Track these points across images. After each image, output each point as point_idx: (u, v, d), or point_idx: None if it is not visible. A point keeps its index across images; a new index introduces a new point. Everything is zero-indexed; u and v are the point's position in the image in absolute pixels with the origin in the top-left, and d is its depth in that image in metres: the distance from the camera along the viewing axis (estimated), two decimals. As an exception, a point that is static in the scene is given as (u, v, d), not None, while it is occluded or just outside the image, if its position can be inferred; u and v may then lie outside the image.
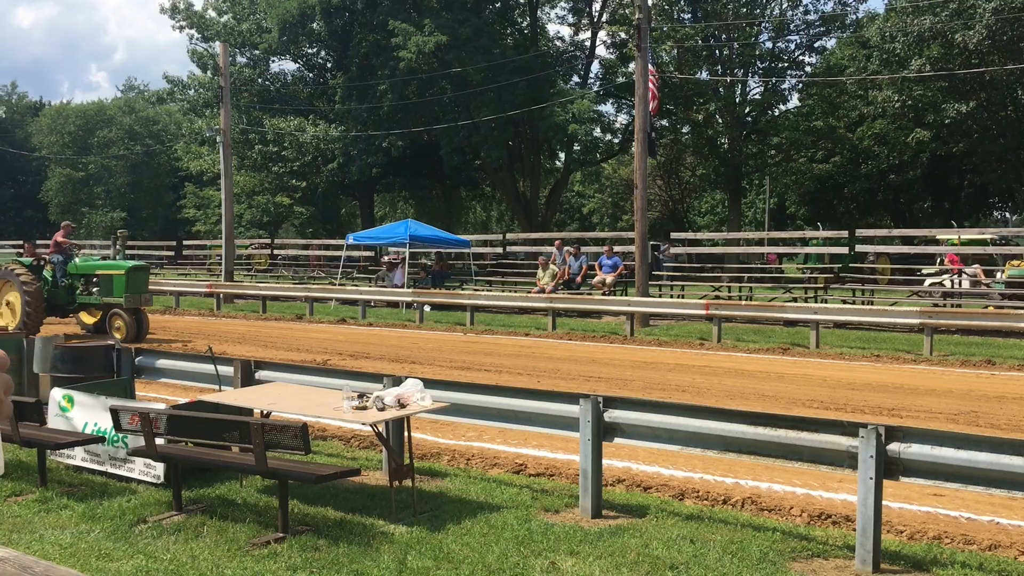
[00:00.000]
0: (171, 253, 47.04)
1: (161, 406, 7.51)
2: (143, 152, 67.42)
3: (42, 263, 18.98)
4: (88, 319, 19.84)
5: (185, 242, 50.82)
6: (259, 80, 46.41)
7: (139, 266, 19.14)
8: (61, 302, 18.94)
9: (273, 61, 47.71)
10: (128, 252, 42.62)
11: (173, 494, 6.84)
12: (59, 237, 19.63)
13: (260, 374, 8.73)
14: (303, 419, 6.66)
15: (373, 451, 8.71)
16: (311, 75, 48.67)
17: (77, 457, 7.93)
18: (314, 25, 43.19)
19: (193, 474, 7.44)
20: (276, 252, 43.61)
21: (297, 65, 48.70)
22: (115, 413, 6.93)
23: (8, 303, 18.66)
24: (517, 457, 8.61)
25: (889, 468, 5.67)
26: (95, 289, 18.46)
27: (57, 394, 8.24)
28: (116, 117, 70.78)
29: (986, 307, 21.12)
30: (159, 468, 7.38)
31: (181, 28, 46.41)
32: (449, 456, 8.65)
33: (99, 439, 7.63)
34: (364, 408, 6.58)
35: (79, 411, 7.99)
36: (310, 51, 47.55)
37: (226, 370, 8.82)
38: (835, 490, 7.47)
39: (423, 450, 8.65)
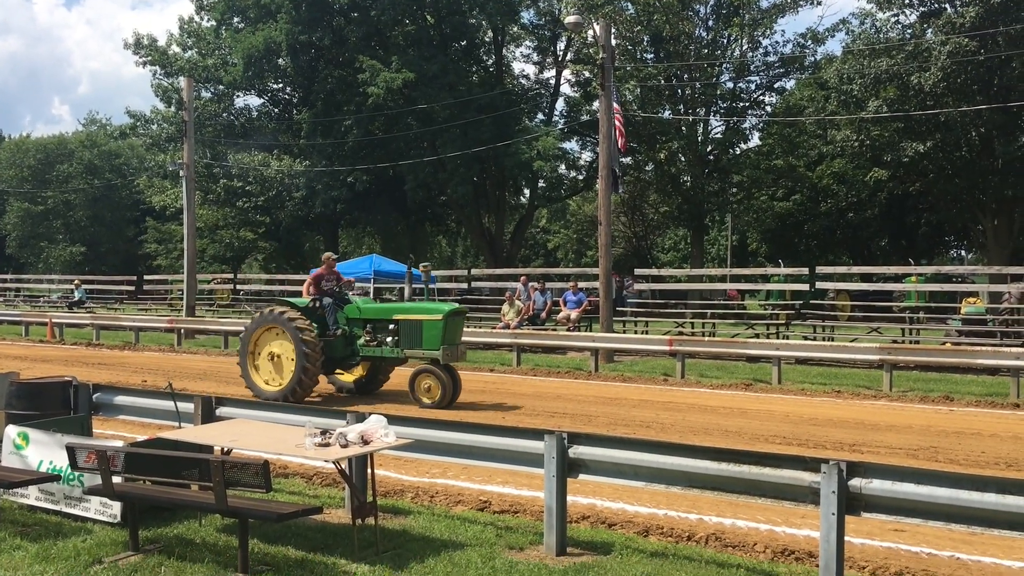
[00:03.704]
0: (131, 288, 46.46)
1: (119, 443, 7.36)
2: (104, 186, 66.81)
3: (317, 306, 14.89)
4: (347, 376, 15.87)
5: (146, 277, 50.26)
6: (224, 115, 46.31)
7: (459, 309, 15.06)
8: (337, 355, 14.94)
9: (238, 96, 47.71)
10: (88, 287, 42.28)
11: (130, 534, 6.69)
12: (321, 272, 15.38)
13: (221, 411, 8.61)
14: (264, 456, 6.57)
15: (336, 488, 8.61)
16: (276, 110, 48.68)
17: (31, 496, 7.74)
18: (280, 61, 43.27)
19: (151, 513, 7.29)
20: (239, 287, 43.26)
21: (262, 100, 48.73)
22: (71, 451, 6.79)
23: (273, 356, 14.61)
24: (481, 494, 8.55)
25: (851, 504, 5.71)
26: (389, 339, 14.60)
27: (12, 431, 8.05)
28: (77, 151, 70.15)
29: (943, 343, 21.45)
30: (116, 507, 7.23)
31: (145, 64, 46.24)
32: (413, 493, 8.57)
33: (54, 477, 7.46)
34: (327, 445, 6.51)
35: (34, 449, 7.81)
36: (275, 86, 47.61)
37: (186, 406, 8.70)
38: (798, 526, 7.50)
39: (386, 487, 8.56)
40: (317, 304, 14.86)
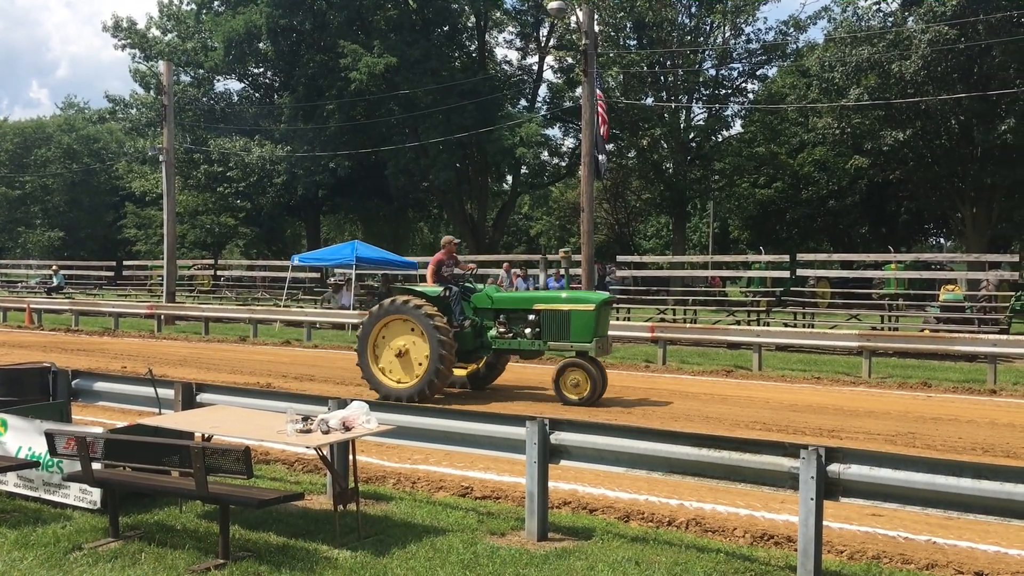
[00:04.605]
0: (111, 273, 46.15)
1: (98, 430, 7.33)
2: (82, 171, 66.20)
3: (448, 295, 13.65)
4: (460, 371, 14.20)
5: (126, 262, 49.91)
6: (204, 99, 45.96)
7: (609, 299, 14.11)
8: (467, 348, 13.72)
9: (218, 80, 47.36)
10: (67, 273, 41.95)
11: (110, 520, 6.67)
12: (441, 258, 14.25)
13: (201, 397, 8.58)
14: (245, 442, 6.55)
15: (317, 475, 8.60)
16: (257, 95, 48.34)
17: (9, 483, 7.69)
18: (260, 45, 42.94)
19: (131, 499, 7.26)
20: (220, 273, 43.05)
21: (243, 84, 48.37)
22: (50, 437, 6.75)
23: (401, 351, 13.26)
24: (463, 480, 8.57)
25: (829, 489, 5.76)
26: (528, 330, 13.46)
27: (-11, 418, 8.00)
28: (55, 135, 69.45)
29: (922, 330, 21.64)
30: (96, 494, 7.19)
31: (124, 47, 45.79)
32: (395, 479, 8.57)
33: (33, 464, 7.42)
34: (308, 431, 6.50)
35: (13, 435, 7.76)
36: (256, 71, 47.26)
37: (166, 393, 8.66)
38: (777, 511, 7.56)
39: (368, 473, 8.56)
40: (447, 293, 13.68)
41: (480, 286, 14.84)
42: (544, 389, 14.36)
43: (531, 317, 13.48)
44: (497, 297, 14.12)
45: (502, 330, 13.63)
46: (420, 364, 13.09)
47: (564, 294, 14.16)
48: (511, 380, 15.44)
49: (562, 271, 26.20)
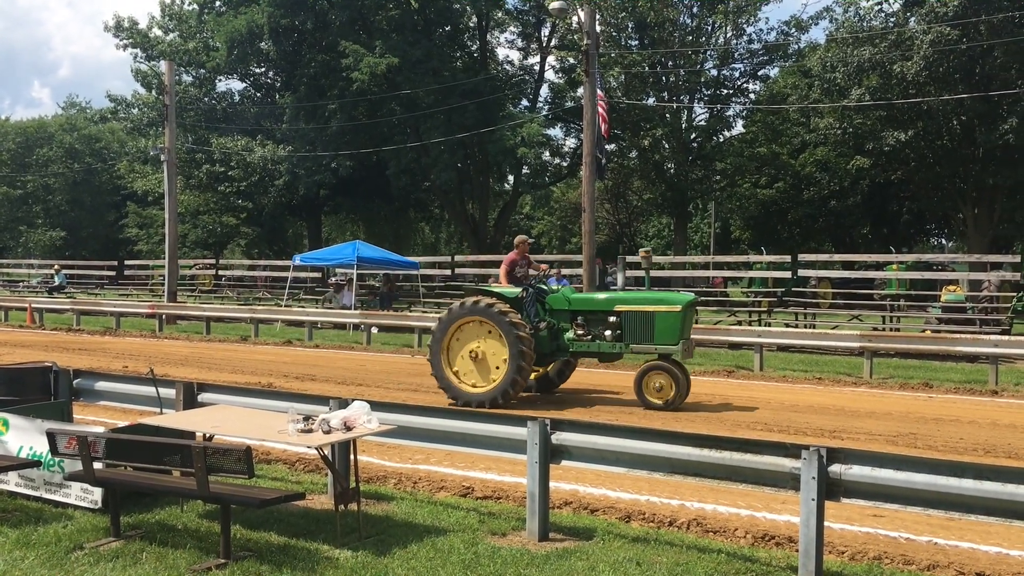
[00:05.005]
0: (112, 273, 46.18)
1: (100, 429, 7.33)
2: (84, 170, 66.23)
3: (525, 296, 13.30)
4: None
5: (127, 262, 49.95)
6: (205, 99, 45.97)
7: (694, 300, 13.72)
8: (544, 351, 13.30)
9: (220, 80, 47.37)
10: (68, 272, 41.95)
11: (111, 519, 6.67)
12: (514, 258, 13.99)
13: (203, 396, 8.58)
14: (247, 442, 6.55)
15: (318, 475, 8.60)
16: (259, 95, 48.34)
17: (11, 482, 7.70)
18: (262, 44, 42.94)
19: (132, 499, 7.27)
20: (221, 273, 43.08)
21: (245, 84, 48.37)
22: (51, 436, 6.75)
23: (476, 353, 12.90)
24: (464, 480, 8.57)
25: (831, 489, 5.76)
26: (608, 332, 13.14)
27: (-9, 417, 8.00)
28: (57, 135, 69.48)
29: (923, 331, 21.62)
30: (97, 493, 7.19)
31: (125, 47, 45.82)
32: (396, 479, 8.57)
33: (34, 463, 7.42)
34: (309, 431, 6.50)
35: (14, 435, 7.77)
36: (258, 71, 47.26)
37: (168, 392, 8.66)
38: (778, 511, 7.56)
39: (369, 473, 8.57)
40: (525, 294, 13.30)
41: (556, 286, 14.62)
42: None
43: (612, 319, 13.13)
44: (575, 298, 13.73)
45: (580, 332, 13.29)
46: (497, 368, 12.76)
47: (649, 294, 13.71)
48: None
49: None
